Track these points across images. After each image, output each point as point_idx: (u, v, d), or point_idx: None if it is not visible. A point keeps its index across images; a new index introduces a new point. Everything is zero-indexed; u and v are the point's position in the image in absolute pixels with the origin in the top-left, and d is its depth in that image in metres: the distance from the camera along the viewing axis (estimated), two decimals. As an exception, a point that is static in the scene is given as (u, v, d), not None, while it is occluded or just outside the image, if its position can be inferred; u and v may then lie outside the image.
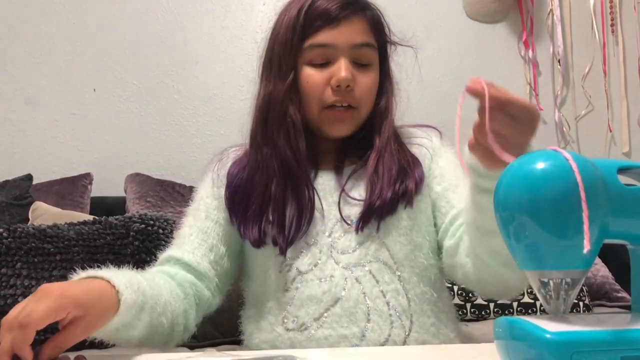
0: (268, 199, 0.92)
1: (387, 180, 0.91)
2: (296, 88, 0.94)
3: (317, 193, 0.94)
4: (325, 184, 0.95)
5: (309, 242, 0.91)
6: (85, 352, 0.71)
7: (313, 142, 0.98)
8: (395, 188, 0.91)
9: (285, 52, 0.94)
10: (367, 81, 0.95)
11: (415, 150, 1.00)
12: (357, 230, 0.91)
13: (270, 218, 0.91)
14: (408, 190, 0.92)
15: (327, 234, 0.92)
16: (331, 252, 0.90)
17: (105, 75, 2.15)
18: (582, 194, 0.49)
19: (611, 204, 0.52)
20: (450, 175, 0.97)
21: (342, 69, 0.91)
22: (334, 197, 0.94)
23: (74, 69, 2.13)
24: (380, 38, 0.99)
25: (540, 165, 0.51)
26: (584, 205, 0.49)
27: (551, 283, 0.54)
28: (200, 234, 0.95)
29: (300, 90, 0.94)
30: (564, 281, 0.53)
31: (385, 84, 1.00)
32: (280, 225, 0.91)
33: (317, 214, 0.93)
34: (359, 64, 0.95)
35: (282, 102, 0.93)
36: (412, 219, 0.93)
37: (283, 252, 0.90)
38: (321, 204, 0.93)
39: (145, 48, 2.17)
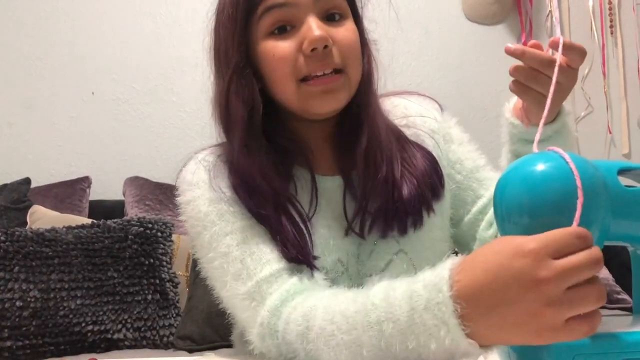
0: (275, 225, 0.76)
1: (399, 185, 0.79)
2: (251, 74, 0.77)
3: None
4: (330, 195, 0.81)
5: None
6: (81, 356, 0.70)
7: (297, 132, 0.82)
8: (414, 200, 0.78)
9: (232, 32, 0.78)
10: (346, 34, 0.75)
11: (423, 140, 0.86)
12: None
13: (281, 243, 0.75)
14: (427, 201, 0.80)
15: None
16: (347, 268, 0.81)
17: (104, 78, 2.15)
18: (578, 180, 0.48)
19: (612, 206, 0.52)
20: (468, 162, 0.87)
21: (312, 28, 0.72)
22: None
23: (72, 73, 2.13)
24: None
25: (540, 167, 0.51)
26: (580, 193, 0.48)
27: (552, 285, 0.53)
28: (268, 241, 0.75)
29: (265, 69, 0.77)
30: (564, 283, 0.53)
31: (360, 45, 0.79)
32: (294, 245, 0.74)
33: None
34: (329, 20, 0.75)
35: (236, 97, 0.78)
36: (439, 228, 0.84)
37: (311, 267, 0.74)
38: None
39: (143, 51, 2.17)
